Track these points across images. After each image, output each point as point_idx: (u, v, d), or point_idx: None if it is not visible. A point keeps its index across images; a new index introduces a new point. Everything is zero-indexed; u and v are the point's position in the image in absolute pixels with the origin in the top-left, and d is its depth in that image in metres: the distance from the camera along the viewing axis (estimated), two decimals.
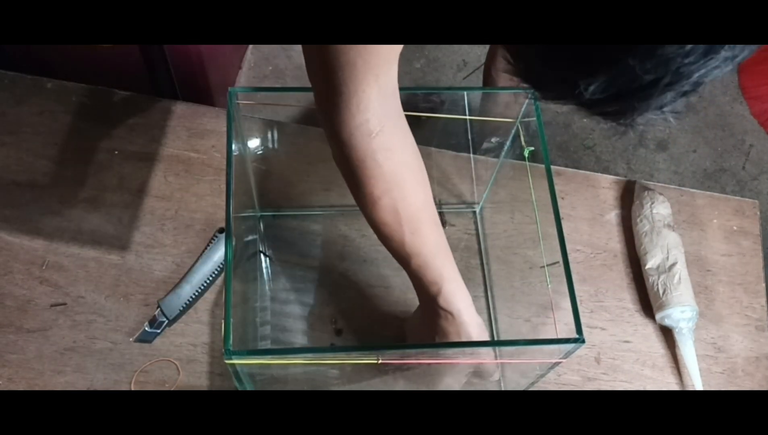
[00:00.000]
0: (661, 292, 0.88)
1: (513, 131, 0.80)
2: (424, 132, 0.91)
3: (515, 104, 0.77)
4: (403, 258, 0.68)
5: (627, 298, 0.92)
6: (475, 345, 0.70)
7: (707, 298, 0.93)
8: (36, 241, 0.88)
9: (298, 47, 1.81)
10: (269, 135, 0.87)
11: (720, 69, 0.40)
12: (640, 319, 0.91)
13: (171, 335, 0.84)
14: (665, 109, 0.43)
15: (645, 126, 0.44)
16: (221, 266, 0.87)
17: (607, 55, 0.40)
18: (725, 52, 0.39)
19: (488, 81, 1.26)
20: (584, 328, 0.65)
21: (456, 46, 1.92)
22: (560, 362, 0.69)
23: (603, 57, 0.40)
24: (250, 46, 1.80)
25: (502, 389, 0.83)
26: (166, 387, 0.82)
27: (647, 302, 0.91)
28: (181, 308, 0.84)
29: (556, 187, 0.71)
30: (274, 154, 0.90)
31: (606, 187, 1.00)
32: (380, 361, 0.63)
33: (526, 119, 0.76)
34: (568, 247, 0.68)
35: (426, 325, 0.71)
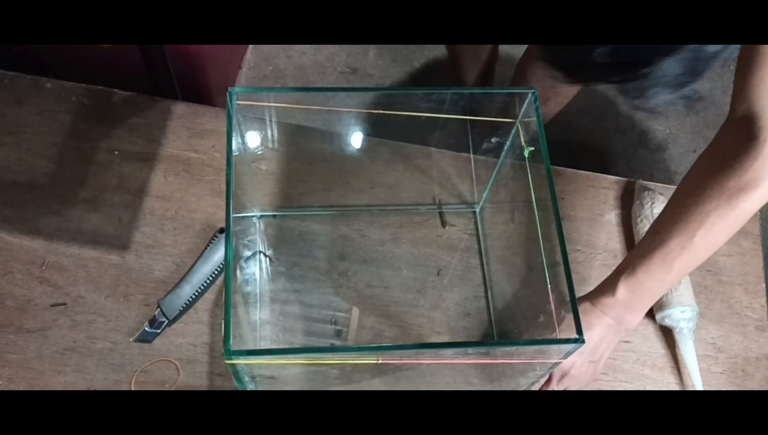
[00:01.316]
0: None
1: (513, 131, 0.80)
2: (424, 132, 0.92)
3: (515, 104, 0.77)
4: (663, 240, 0.73)
5: None
6: (475, 345, 0.70)
7: (707, 298, 0.93)
8: (36, 241, 0.88)
9: (298, 47, 1.81)
10: (269, 135, 0.87)
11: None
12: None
13: (171, 335, 0.84)
14: (679, 95, 0.44)
15: (662, 107, 0.45)
16: (221, 266, 0.87)
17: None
18: None
19: (520, 80, 1.29)
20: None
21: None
22: (560, 362, 0.69)
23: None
24: (250, 46, 1.80)
25: (502, 389, 0.83)
26: (166, 387, 0.82)
27: None
28: (181, 308, 0.84)
29: (556, 187, 0.71)
30: (274, 154, 0.90)
31: (606, 187, 1.00)
32: (380, 361, 0.63)
33: (526, 119, 0.76)
34: (568, 247, 0.68)
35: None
